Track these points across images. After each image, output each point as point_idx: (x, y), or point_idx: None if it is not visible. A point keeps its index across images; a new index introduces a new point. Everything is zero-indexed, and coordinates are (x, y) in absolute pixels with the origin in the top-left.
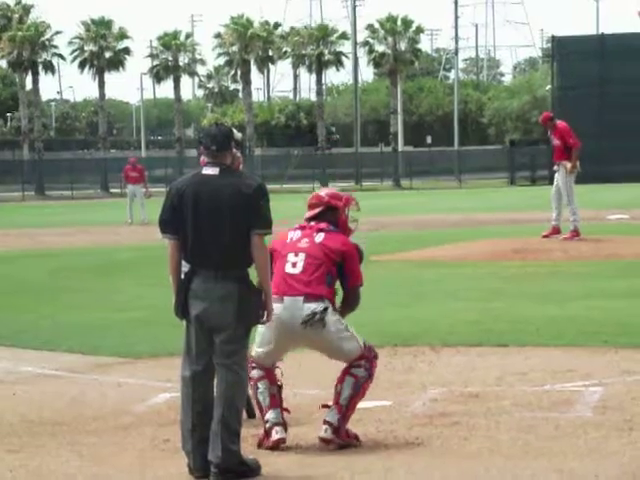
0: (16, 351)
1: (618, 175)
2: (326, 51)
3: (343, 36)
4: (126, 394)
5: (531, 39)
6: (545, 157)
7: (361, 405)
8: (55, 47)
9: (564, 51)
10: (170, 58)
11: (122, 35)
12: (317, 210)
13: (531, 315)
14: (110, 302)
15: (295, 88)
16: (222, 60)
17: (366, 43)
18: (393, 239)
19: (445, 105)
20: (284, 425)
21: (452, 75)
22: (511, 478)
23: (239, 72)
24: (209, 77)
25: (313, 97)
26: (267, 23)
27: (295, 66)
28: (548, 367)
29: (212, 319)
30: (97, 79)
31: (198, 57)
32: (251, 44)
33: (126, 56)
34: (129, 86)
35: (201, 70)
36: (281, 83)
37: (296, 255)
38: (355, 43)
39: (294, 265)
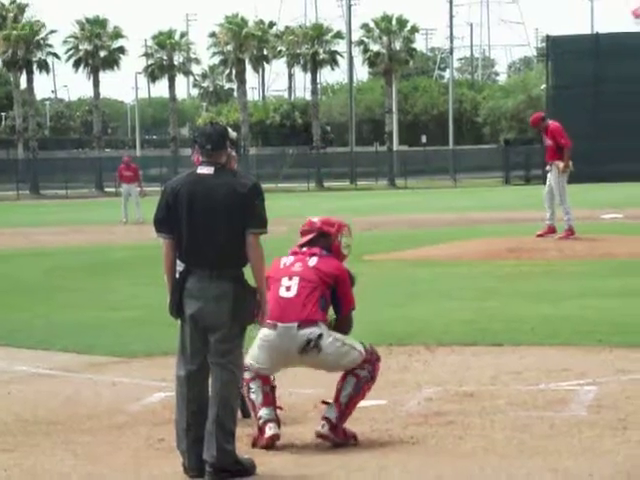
0: (10, 350)
1: (612, 174)
2: (321, 50)
3: (338, 35)
4: (121, 393)
5: (526, 38)
6: (540, 156)
7: None
8: (50, 46)
9: (559, 50)
10: (165, 57)
11: (117, 34)
12: (310, 236)
13: (526, 314)
14: (105, 301)
15: (290, 87)
16: (217, 59)
17: (361, 42)
18: (388, 238)
19: (440, 104)
20: (277, 421)
21: (447, 74)
22: (506, 477)
23: (234, 71)
24: (204, 76)
25: (308, 96)
26: (262, 22)
27: (290, 65)
28: (543, 366)
29: (207, 318)
30: (92, 78)
31: (193, 56)
32: (246, 43)
33: (121, 55)
34: (124, 85)
35: (196, 69)
36: (276, 82)
37: (290, 279)
38: (350, 42)
39: (288, 289)
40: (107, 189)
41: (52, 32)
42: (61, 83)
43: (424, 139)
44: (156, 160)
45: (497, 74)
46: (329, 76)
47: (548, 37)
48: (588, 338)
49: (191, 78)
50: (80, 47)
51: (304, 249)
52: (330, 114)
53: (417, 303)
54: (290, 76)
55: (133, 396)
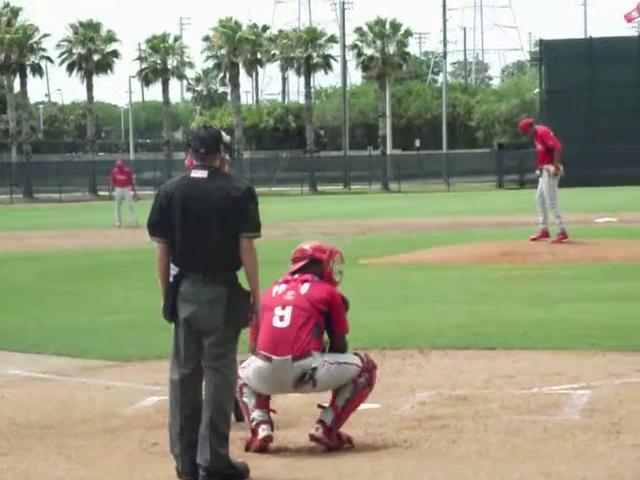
0: (4, 354)
1: (606, 178)
2: (315, 54)
3: (332, 39)
4: (114, 397)
5: (519, 43)
6: (533, 160)
7: None
8: (43, 50)
9: (552, 55)
10: (159, 61)
11: (110, 38)
12: (301, 263)
13: (519, 318)
14: (98, 305)
15: (284, 91)
16: (211, 63)
17: (355, 46)
18: (381, 242)
19: (433, 108)
20: (270, 424)
21: (440, 78)
22: None
23: (228, 75)
24: (198, 80)
25: (302, 100)
26: (255, 26)
27: (284, 69)
28: (536, 370)
29: (201, 322)
30: (85, 82)
31: (187, 60)
32: (240, 47)
33: (114, 59)
34: (117, 89)
35: (190, 73)
36: (270, 86)
37: (283, 308)
38: (344, 46)
39: (281, 319)
40: (101, 193)
41: (45, 36)
42: (55, 87)
43: (418, 143)
44: (150, 164)
45: (490, 78)
46: (323, 80)
47: (541, 41)
48: (581, 342)
49: (185, 82)
50: (74, 51)
51: (296, 276)
52: (324, 118)
53: (411, 307)
54: (284, 80)
55: (127, 400)
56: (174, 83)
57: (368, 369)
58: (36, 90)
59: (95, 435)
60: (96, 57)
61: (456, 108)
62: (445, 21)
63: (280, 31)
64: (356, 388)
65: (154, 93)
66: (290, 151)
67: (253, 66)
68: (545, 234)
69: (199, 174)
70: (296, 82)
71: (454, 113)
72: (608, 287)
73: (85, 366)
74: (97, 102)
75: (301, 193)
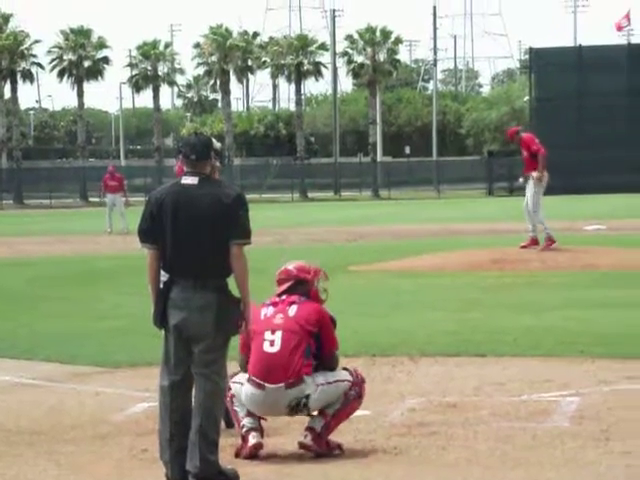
0: None
1: (595, 186)
2: (305, 61)
3: (322, 46)
4: (104, 403)
5: (509, 50)
6: (522, 168)
7: None
8: (34, 56)
9: (542, 62)
10: (149, 67)
11: (101, 44)
12: (287, 285)
13: (509, 325)
14: (89, 311)
15: (274, 98)
16: (201, 70)
17: (345, 54)
18: (371, 249)
19: (424, 116)
20: (261, 431)
21: (431, 86)
22: None
23: (218, 82)
24: (188, 87)
25: (292, 107)
26: (246, 33)
27: (274, 76)
28: (525, 377)
29: (191, 329)
30: (76, 88)
31: (177, 67)
32: (230, 54)
33: (105, 65)
34: (108, 95)
35: (180, 80)
36: (260, 93)
37: (273, 333)
38: (334, 53)
39: (272, 344)
40: (91, 199)
41: (36, 42)
42: (45, 93)
43: (408, 150)
44: (140, 170)
45: (480, 86)
46: (313, 87)
47: (531, 49)
48: (570, 349)
49: (175, 88)
50: (64, 57)
51: (283, 297)
52: (314, 125)
53: (401, 314)
54: (274, 87)
55: (116, 406)
56: (165, 90)
57: (358, 383)
58: (27, 96)
59: (85, 441)
60: (87, 63)
61: (446, 115)
62: (435, 29)
63: (271, 38)
64: (347, 400)
65: (145, 99)
66: (280, 158)
67: (244, 73)
68: (534, 242)
69: (190, 180)
70: (287, 89)
71: (444, 120)
72: (597, 294)
73: (75, 372)
74: (88, 108)
75: (291, 200)
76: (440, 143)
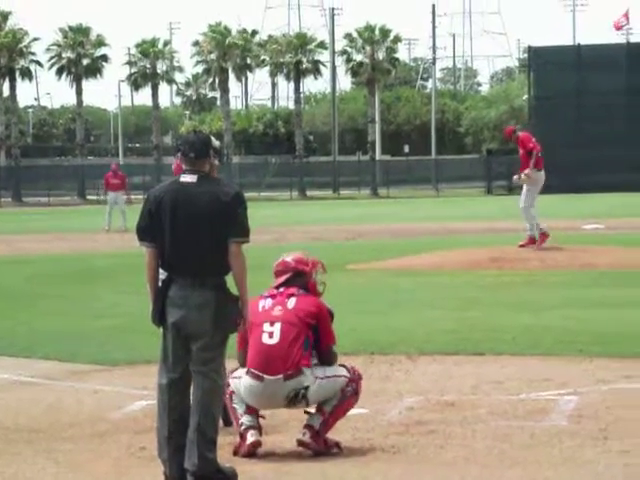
0: None
1: (594, 185)
2: (304, 59)
3: (321, 45)
4: (102, 401)
5: (508, 49)
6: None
7: None
8: (33, 54)
9: (541, 61)
10: (148, 65)
11: (100, 42)
12: (285, 276)
13: (507, 324)
14: (87, 309)
15: (273, 96)
16: (200, 68)
17: (344, 52)
18: (370, 248)
19: (422, 114)
20: (259, 429)
21: (429, 84)
22: None
23: (217, 80)
24: (187, 85)
25: (291, 105)
26: (245, 31)
27: (273, 74)
28: (524, 376)
29: (189, 327)
30: (75, 86)
31: (176, 65)
32: (229, 52)
33: (104, 63)
34: (107, 93)
35: (179, 78)
36: (259, 91)
37: (272, 325)
38: (333, 52)
39: (271, 335)
40: (89, 197)
41: (35, 40)
42: (44, 91)
43: (407, 149)
44: (139, 168)
45: (479, 84)
46: (312, 85)
47: (530, 48)
48: (569, 348)
49: (174, 86)
50: (63, 55)
51: (281, 289)
52: (313, 123)
53: (399, 312)
54: (273, 85)
55: (115, 404)
56: (163, 88)
57: (355, 379)
58: (25, 94)
59: (83, 439)
60: (85, 61)
61: (445, 114)
62: (434, 27)
63: (270, 36)
64: (344, 396)
65: (143, 97)
66: (279, 156)
67: (242, 71)
68: (532, 241)
69: (188, 178)
70: (285, 87)
71: (443, 119)
72: (596, 293)
73: (73, 370)
74: (86, 106)
75: (290, 198)
76: (439, 142)
